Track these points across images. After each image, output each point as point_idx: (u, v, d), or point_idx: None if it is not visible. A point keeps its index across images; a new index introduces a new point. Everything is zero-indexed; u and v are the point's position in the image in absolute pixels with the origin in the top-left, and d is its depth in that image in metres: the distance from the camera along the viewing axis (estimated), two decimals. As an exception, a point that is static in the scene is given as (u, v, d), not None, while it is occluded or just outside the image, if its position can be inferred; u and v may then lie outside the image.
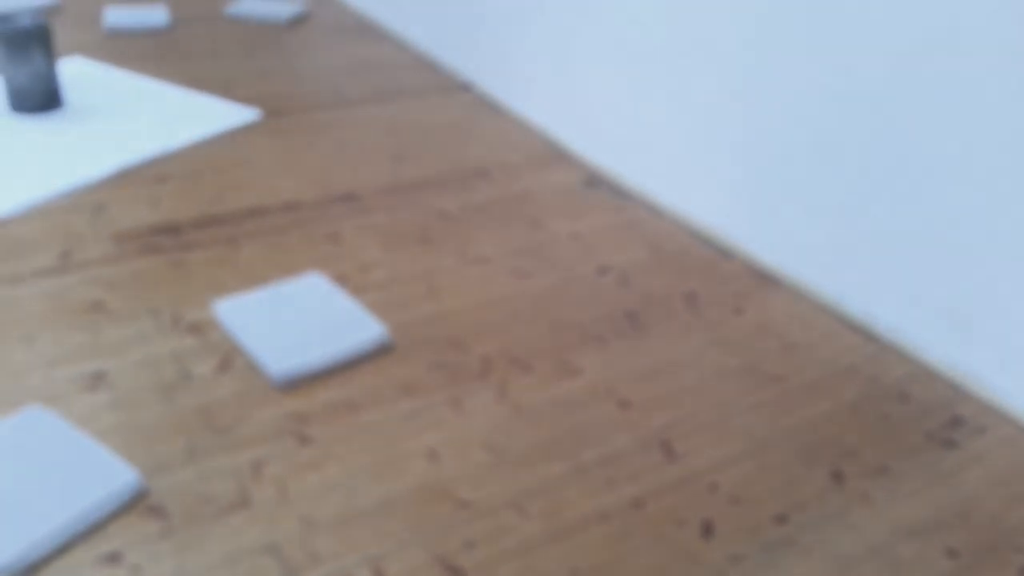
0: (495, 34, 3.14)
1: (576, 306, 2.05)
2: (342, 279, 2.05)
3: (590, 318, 2.01)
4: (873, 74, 1.88)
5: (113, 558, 1.31)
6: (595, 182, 2.69)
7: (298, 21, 3.82)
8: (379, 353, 1.81)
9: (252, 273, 2.04)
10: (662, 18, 2.41)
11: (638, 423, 1.68)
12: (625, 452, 1.61)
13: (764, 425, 1.72)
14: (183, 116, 2.74)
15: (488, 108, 3.16)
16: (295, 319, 1.83)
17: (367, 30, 3.84)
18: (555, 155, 2.85)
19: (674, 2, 2.36)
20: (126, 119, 2.69)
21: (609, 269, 2.22)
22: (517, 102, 3.10)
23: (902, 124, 1.85)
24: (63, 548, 1.32)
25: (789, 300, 2.15)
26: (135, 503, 1.40)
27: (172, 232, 2.16)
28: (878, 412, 1.77)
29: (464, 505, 1.45)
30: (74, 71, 2.97)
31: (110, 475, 1.39)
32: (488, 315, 1.98)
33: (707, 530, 1.46)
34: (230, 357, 1.75)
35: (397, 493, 1.47)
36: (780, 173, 2.17)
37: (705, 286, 2.19)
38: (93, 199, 2.26)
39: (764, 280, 2.24)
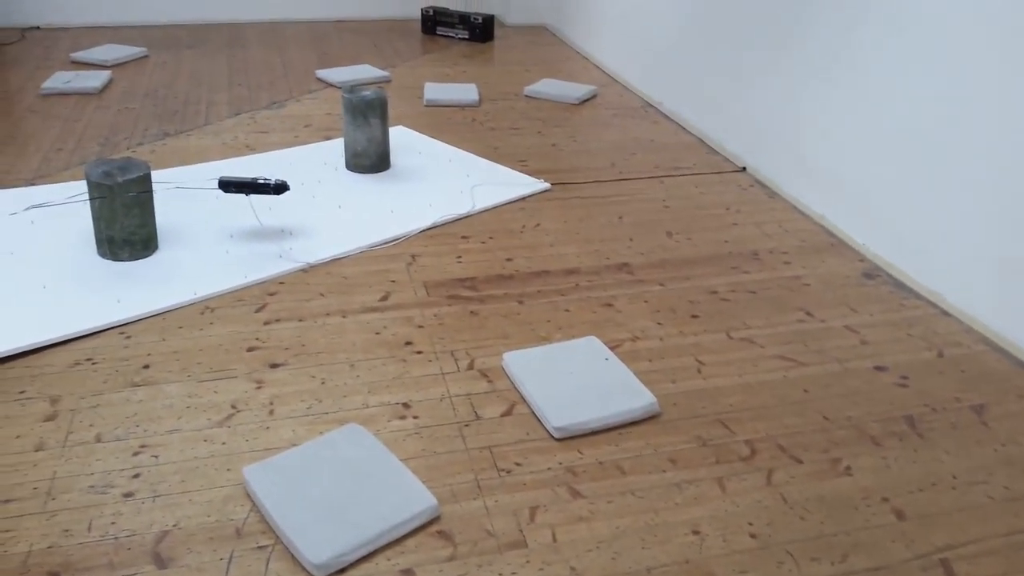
0: (772, 117, 3.17)
1: (849, 402, 2.00)
2: (614, 344, 2.18)
3: (865, 417, 1.95)
4: None
5: (407, 573, 1.50)
6: (874, 274, 2.61)
7: (587, 100, 4.12)
8: (647, 421, 1.91)
9: (535, 329, 2.24)
10: (958, 99, 2.32)
11: (915, 537, 1.61)
12: (900, 566, 1.54)
13: (1064, 564, 1.57)
14: (485, 183, 3.08)
15: (763, 191, 3.18)
16: (573, 378, 1.98)
17: (649, 111, 4.04)
18: (831, 243, 2.80)
19: (970, 84, 2.26)
20: (439, 182, 3.08)
21: (887, 367, 2.14)
22: (793, 187, 3.09)
23: None
24: (368, 555, 1.53)
25: (1102, 428, 1.93)
26: (428, 525, 1.60)
27: (471, 285, 2.43)
28: None
29: (726, 585, 1.49)
30: (399, 137, 3.45)
31: (415, 498, 1.61)
32: (755, 399, 2.00)
33: (989, 666, 1.36)
34: (513, 405, 1.94)
35: (661, 562, 1.53)
36: (1102, 287, 1.98)
37: (997, 398, 2.04)
38: (409, 250, 2.62)
39: (1071, 402, 2.03)
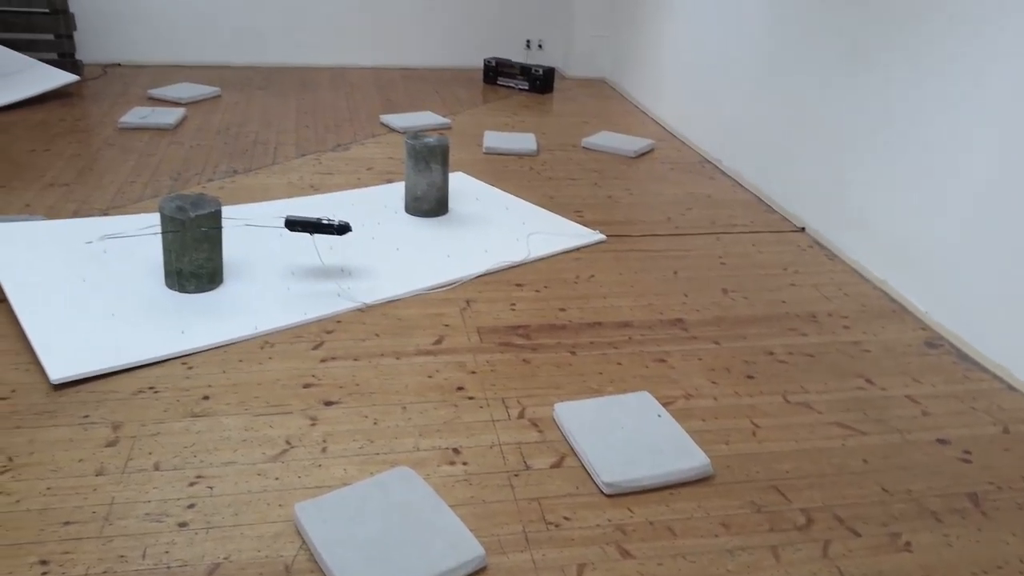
0: (834, 178, 3.15)
1: (910, 475, 1.94)
2: (667, 401, 2.16)
3: (926, 491, 1.89)
4: None
5: (452, 617, 1.49)
6: (937, 343, 2.54)
7: (644, 154, 4.15)
8: (699, 482, 1.87)
9: (586, 381, 2.23)
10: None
11: (979, 621, 1.54)
12: (962, 650, 1.48)
13: None
14: (541, 232, 3.11)
15: (822, 252, 3.15)
16: (625, 433, 1.96)
17: (707, 167, 4.05)
18: (892, 308, 2.74)
19: (1058, 170, 2.22)
20: (495, 229, 3.12)
21: (950, 441, 2.08)
22: (854, 249, 3.05)
23: None
24: (412, 597, 1.53)
25: None
26: (475, 575, 1.59)
27: (524, 333, 2.44)
28: None
29: (778, 659, 1.44)
30: (458, 183, 3.52)
31: (463, 546, 1.60)
32: (812, 466, 1.95)
33: None
34: (564, 457, 1.93)
35: (710, 627, 1.50)
36: None
37: (1069, 482, 1.96)
38: (464, 295, 2.65)
39: None
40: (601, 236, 3.13)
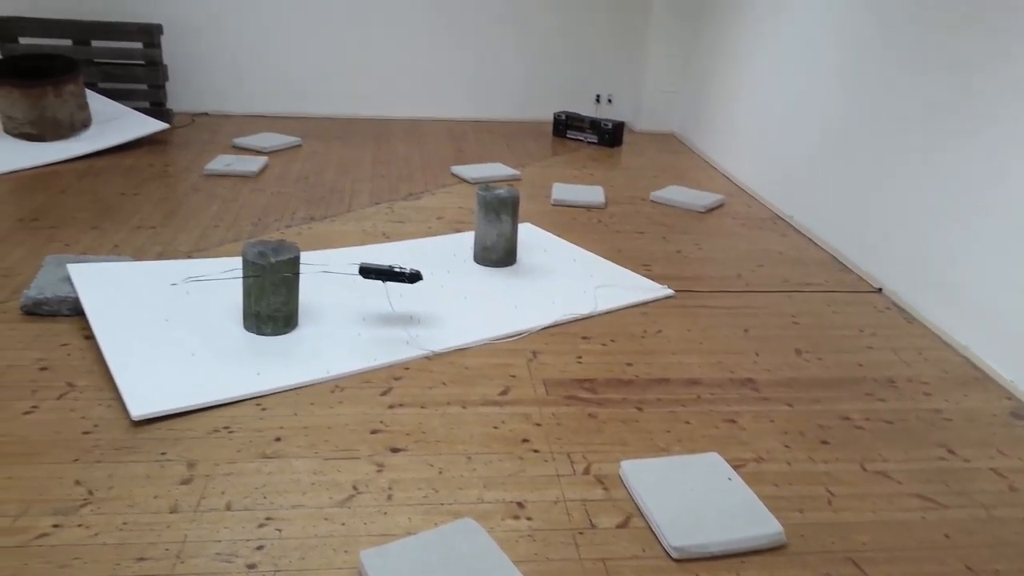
0: (914, 238, 3.07)
1: (996, 553, 1.84)
2: (738, 464, 2.10)
3: (1014, 572, 1.78)
4: None
5: None
6: (1025, 415, 2.43)
7: (714, 209, 4.13)
8: (771, 551, 1.81)
9: (653, 439, 2.20)
10: None
11: None
12: None
13: None
14: (608, 285, 3.11)
15: (901, 315, 3.05)
16: (694, 496, 1.92)
17: (778, 224, 3.99)
18: (975, 376, 2.63)
19: None
20: (563, 281, 3.13)
21: (1041, 520, 1.96)
22: (934, 313, 2.95)
23: None
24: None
25: None
26: (537, 633, 1.56)
27: (590, 387, 2.43)
28: None
29: None
30: (526, 234, 3.55)
31: (527, 601, 1.58)
32: (890, 539, 1.87)
33: None
34: (630, 517, 1.89)
35: None
36: None
37: None
38: (531, 346, 2.65)
39: None
40: (669, 291, 3.10)
